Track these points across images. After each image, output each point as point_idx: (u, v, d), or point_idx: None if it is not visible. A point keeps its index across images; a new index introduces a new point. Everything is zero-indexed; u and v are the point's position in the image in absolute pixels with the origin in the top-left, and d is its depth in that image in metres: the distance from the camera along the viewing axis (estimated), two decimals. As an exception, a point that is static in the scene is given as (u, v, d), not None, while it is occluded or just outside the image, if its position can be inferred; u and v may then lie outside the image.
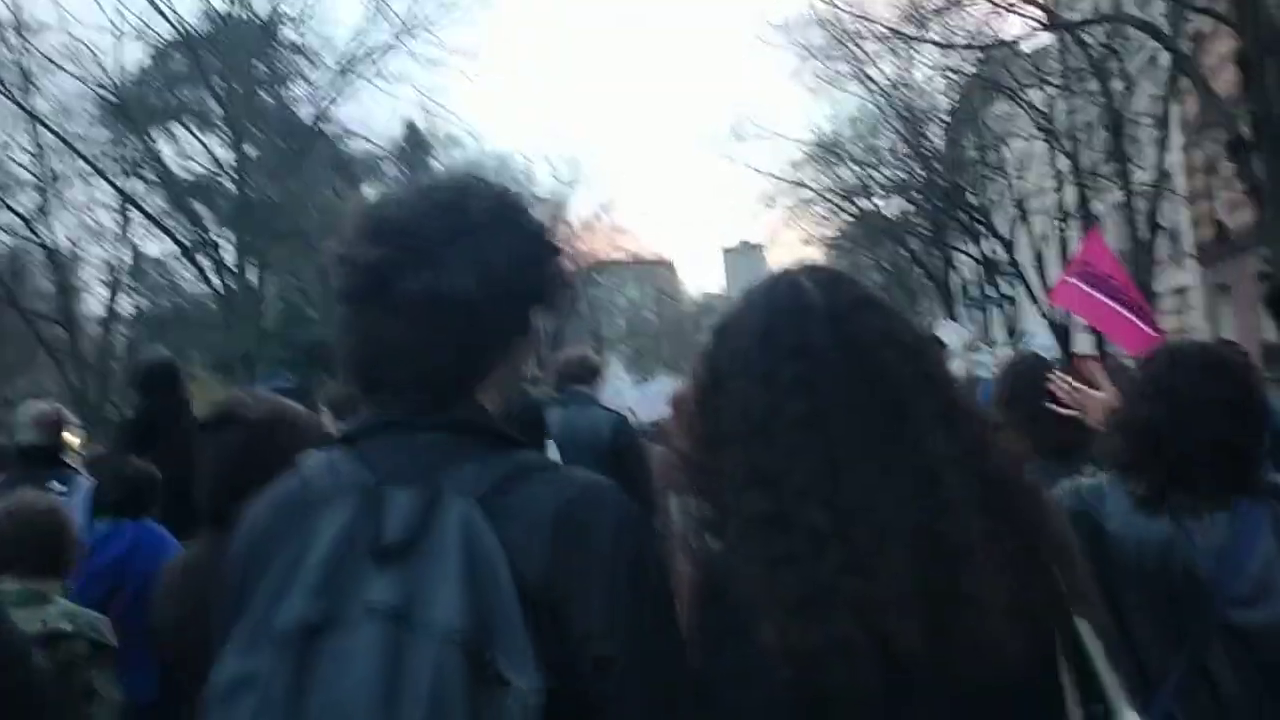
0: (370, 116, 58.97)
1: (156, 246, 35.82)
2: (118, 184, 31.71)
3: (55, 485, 5.47)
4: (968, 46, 25.81)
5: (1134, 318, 8.67)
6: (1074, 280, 9.16)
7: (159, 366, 6.96)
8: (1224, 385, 2.78)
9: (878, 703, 1.56)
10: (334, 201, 33.87)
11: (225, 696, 1.39)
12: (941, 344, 5.11)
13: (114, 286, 32.72)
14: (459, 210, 1.58)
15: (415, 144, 41.04)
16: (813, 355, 1.68)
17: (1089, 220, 26.12)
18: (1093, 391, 3.59)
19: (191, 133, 35.32)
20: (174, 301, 38.37)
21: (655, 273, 62.73)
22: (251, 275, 33.60)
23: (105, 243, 32.77)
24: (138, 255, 34.53)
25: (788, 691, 1.55)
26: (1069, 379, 3.69)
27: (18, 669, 2.47)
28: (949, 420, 1.68)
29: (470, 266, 1.53)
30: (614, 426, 6.39)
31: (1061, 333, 24.69)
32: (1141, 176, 25.47)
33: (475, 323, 1.56)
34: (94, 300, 34.75)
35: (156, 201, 34.23)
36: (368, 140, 37.49)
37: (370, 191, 36.48)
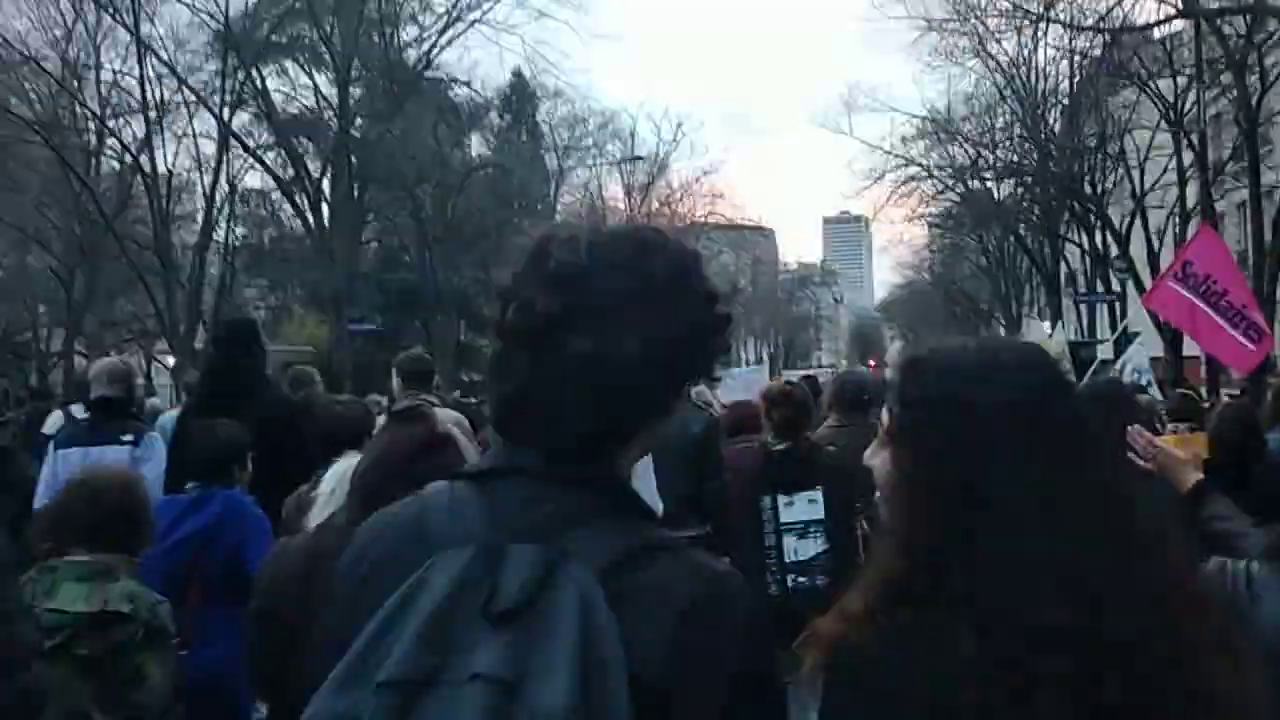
0: (476, 65, 59.29)
1: (257, 179, 36.33)
2: (222, 116, 31.99)
3: (126, 439, 5.63)
4: (1096, 30, 25.00)
5: (1233, 329, 8.24)
6: (1172, 283, 8.72)
7: (240, 325, 7.06)
8: None
9: None
10: (435, 147, 33.93)
11: None
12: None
13: (211, 216, 33.12)
14: (639, 271, 1.56)
15: (521, 95, 40.99)
16: (1019, 448, 1.56)
17: (1211, 219, 25.13)
18: (1175, 453, 3.53)
19: (301, 67, 35.64)
20: (271, 235, 38.81)
21: (753, 239, 62.34)
22: (349, 215, 33.78)
23: (206, 173, 33.19)
24: (234, 187, 34.92)
25: None
26: (1145, 435, 3.58)
27: (15, 677, 2.47)
28: (1114, 528, 1.57)
29: (642, 334, 1.52)
30: (705, 428, 6.83)
31: (1172, 335, 23.84)
32: (1271, 176, 24.51)
33: (635, 390, 1.54)
34: (192, 229, 35.28)
35: (260, 135, 34.63)
36: (472, 88, 37.41)
37: (476, 140, 36.42)
